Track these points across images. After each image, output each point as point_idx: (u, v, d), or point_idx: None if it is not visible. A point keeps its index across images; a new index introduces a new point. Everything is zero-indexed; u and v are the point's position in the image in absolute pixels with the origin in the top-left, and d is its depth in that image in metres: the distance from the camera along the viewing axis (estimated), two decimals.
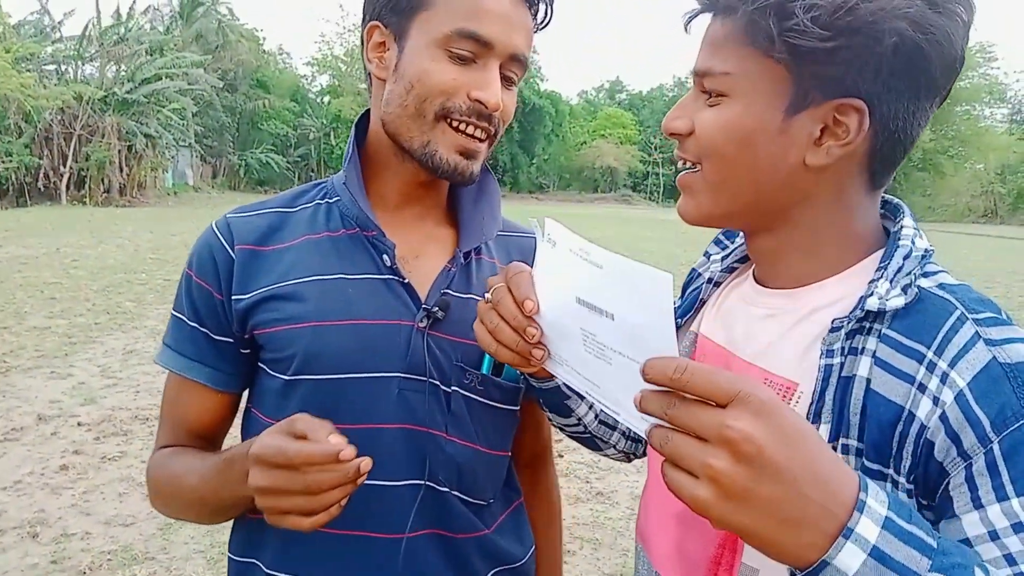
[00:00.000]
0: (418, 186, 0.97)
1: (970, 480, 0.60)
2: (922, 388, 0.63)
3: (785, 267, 0.78)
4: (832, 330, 0.70)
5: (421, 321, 0.91)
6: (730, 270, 0.91)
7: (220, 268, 0.93)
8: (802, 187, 0.72)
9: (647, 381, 0.55)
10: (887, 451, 0.64)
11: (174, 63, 27.72)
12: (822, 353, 0.70)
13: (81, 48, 27.00)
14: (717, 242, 0.94)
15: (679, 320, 0.93)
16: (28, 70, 24.68)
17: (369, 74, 0.96)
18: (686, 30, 0.77)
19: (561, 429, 1.03)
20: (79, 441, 4.17)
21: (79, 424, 4.42)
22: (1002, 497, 0.58)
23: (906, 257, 0.70)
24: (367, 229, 0.93)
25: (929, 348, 0.64)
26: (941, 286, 0.69)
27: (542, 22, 0.94)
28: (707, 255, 0.95)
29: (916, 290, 0.68)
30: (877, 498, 0.52)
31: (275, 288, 0.91)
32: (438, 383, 0.92)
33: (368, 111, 0.99)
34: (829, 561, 0.50)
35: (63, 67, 27.82)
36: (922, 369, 0.64)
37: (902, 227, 0.73)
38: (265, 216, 0.97)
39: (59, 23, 28.47)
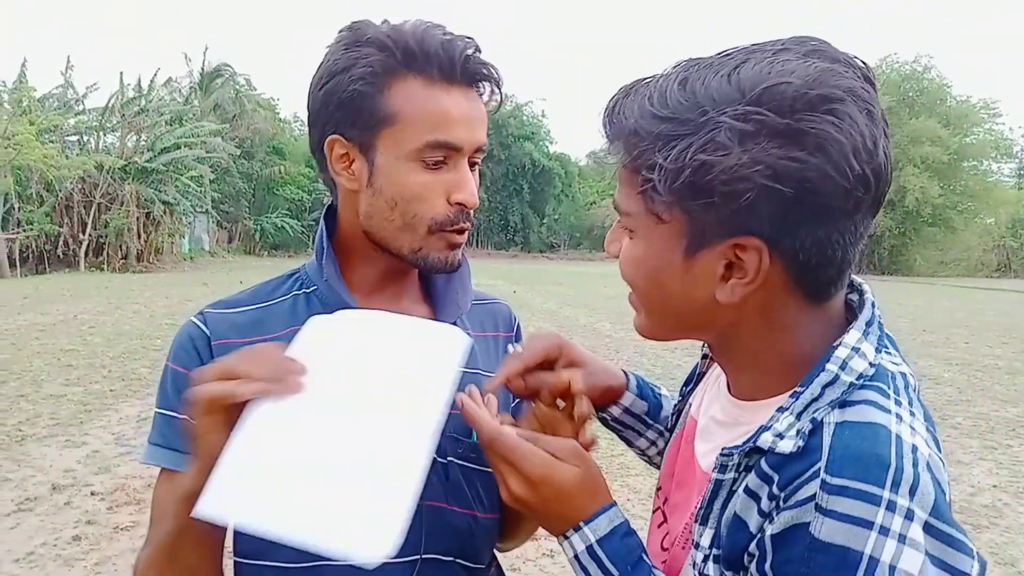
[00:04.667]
0: (394, 274, 1.01)
1: None
2: (763, 517, 0.68)
3: (737, 379, 0.81)
4: (723, 454, 0.73)
5: None
6: None
7: (203, 354, 0.94)
8: (726, 318, 0.73)
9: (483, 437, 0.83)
10: (739, 567, 0.71)
11: (193, 132, 28.44)
12: (715, 467, 0.74)
13: (103, 119, 27.81)
14: None
15: (684, 389, 0.99)
16: (51, 141, 25.38)
17: (330, 181, 0.97)
18: (601, 156, 0.78)
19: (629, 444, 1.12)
20: (92, 511, 4.17)
21: (92, 493, 4.43)
22: None
23: (827, 385, 0.68)
24: None
25: (782, 489, 0.66)
26: (842, 425, 0.66)
27: (496, 109, 0.97)
28: None
29: (809, 428, 0.67)
30: (594, 531, 0.79)
31: None
32: (435, 455, 0.95)
33: (331, 205, 1.02)
34: (561, 544, 0.82)
35: (85, 138, 28.62)
36: (772, 506, 0.67)
37: (839, 345, 0.70)
38: (244, 313, 0.98)
39: (82, 96, 29.38)
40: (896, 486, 0.62)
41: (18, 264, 23.13)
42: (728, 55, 0.69)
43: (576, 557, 0.79)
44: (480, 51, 0.92)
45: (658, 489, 0.94)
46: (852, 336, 0.71)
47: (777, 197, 0.64)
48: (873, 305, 0.75)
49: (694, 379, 0.98)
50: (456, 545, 0.96)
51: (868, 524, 0.61)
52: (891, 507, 0.61)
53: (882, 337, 0.74)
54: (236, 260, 33.18)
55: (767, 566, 0.66)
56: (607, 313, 14.22)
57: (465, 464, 0.98)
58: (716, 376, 0.91)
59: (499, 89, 0.95)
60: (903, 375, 0.72)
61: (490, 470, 0.99)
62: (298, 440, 0.72)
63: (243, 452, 0.72)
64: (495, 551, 1.10)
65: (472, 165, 0.95)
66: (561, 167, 53.93)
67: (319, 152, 0.96)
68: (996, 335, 12.84)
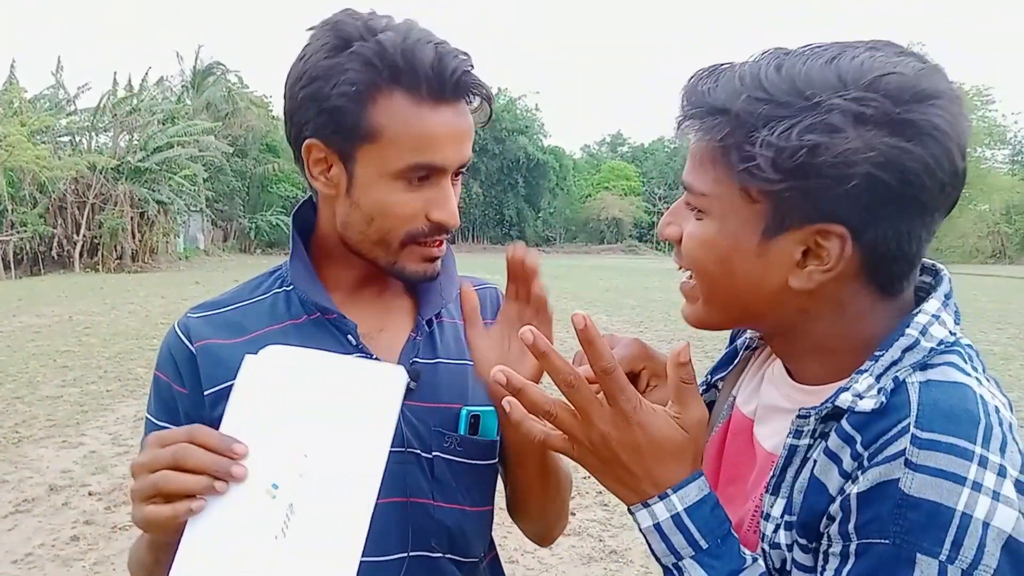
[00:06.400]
0: (374, 273, 0.99)
1: (826, 556, 0.67)
2: (845, 478, 0.66)
3: (802, 367, 0.79)
4: (799, 416, 0.71)
5: None
6: None
7: (180, 364, 0.94)
8: (795, 305, 0.72)
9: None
10: (815, 533, 0.68)
11: (185, 131, 28.32)
12: (790, 432, 0.72)
13: (95, 119, 27.69)
14: None
15: (712, 376, 0.96)
16: (43, 142, 25.28)
17: (307, 178, 0.95)
18: (676, 133, 0.76)
19: None
20: (90, 511, 4.17)
21: (90, 494, 4.43)
22: None
23: (907, 350, 0.68)
24: (327, 313, 0.95)
25: (867, 448, 0.65)
26: (927, 384, 0.66)
27: (484, 124, 0.95)
28: None
29: (891, 387, 0.67)
30: (682, 500, 0.71)
31: None
32: (419, 451, 0.94)
33: (309, 200, 1.00)
34: (633, 512, 0.74)
35: (77, 138, 28.50)
36: (855, 465, 0.66)
37: (919, 312, 0.70)
38: (223, 314, 0.98)
39: (74, 97, 29.24)
40: (987, 442, 0.62)
41: (12, 266, 23.05)
42: (818, 47, 0.69)
43: (657, 526, 0.72)
44: (472, 67, 0.89)
45: None
46: (932, 305, 0.71)
47: (876, 185, 0.64)
48: (949, 281, 0.75)
49: (727, 366, 0.95)
50: (445, 541, 0.95)
51: (960, 480, 0.60)
52: (983, 463, 0.61)
53: (958, 312, 0.74)
54: (231, 258, 33.15)
55: (850, 527, 0.63)
56: (604, 306, 14.23)
57: (451, 458, 0.96)
58: (759, 367, 0.89)
59: (488, 104, 0.93)
60: (974, 347, 0.73)
61: (478, 462, 0.98)
62: (247, 513, 0.76)
63: (197, 540, 0.76)
64: (497, 542, 1.08)
65: (456, 175, 0.93)
66: (556, 160, 53.93)
67: (295, 147, 0.94)
68: (991, 321, 12.87)
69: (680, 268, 0.79)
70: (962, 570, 0.59)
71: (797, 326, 0.75)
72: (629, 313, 13.20)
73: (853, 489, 0.64)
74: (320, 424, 0.79)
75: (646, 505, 0.73)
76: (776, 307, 0.73)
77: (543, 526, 1.12)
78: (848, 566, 0.63)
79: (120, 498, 4.34)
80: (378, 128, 0.86)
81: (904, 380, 0.67)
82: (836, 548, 0.65)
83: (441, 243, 0.94)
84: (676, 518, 0.71)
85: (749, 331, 0.94)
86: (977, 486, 0.60)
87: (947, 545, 0.59)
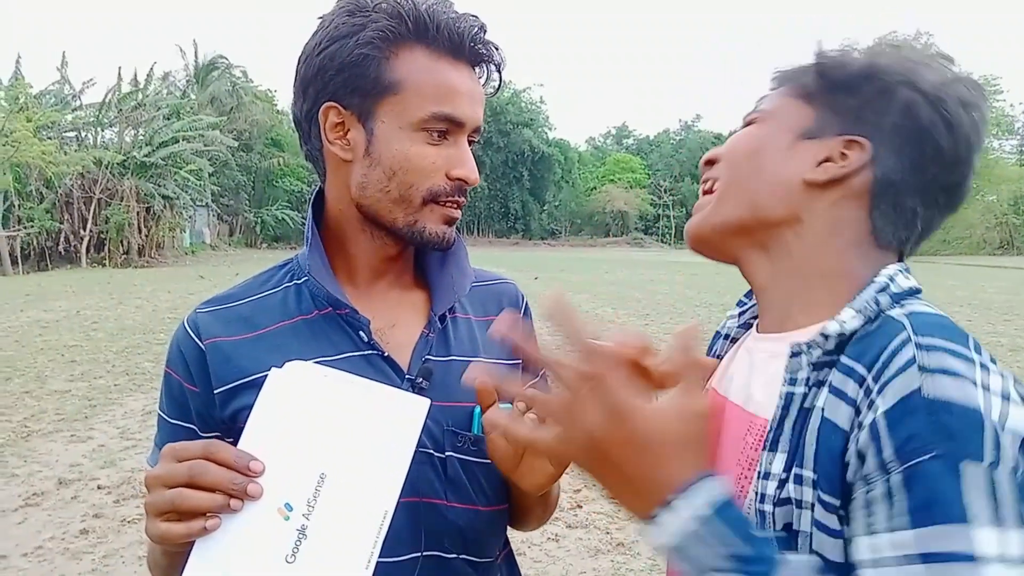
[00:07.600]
0: (387, 259, 0.97)
1: (868, 505, 0.61)
2: (858, 412, 0.63)
3: (779, 301, 0.79)
4: (792, 355, 0.70)
5: None
6: (746, 326, 0.92)
7: (190, 361, 0.92)
8: (795, 206, 0.77)
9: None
10: (837, 481, 0.64)
11: (190, 126, 28.43)
12: (784, 380, 0.71)
13: (101, 115, 27.77)
14: (739, 304, 0.96)
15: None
16: (49, 138, 25.40)
17: (317, 152, 0.95)
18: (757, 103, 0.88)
19: None
20: (99, 504, 4.19)
21: (99, 487, 4.45)
22: (895, 527, 0.59)
23: (879, 291, 0.71)
24: (339, 308, 0.93)
25: (869, 370, 0.64)
26: (910, 313, 0.68)
27: (494, 93, 0.97)
28: (729, 316, 0.97)
29: (877, 316, 0.69)
30: (693, 504, 0.62)
31: (256, 376, 0.88)
32: (431, 451, 0.92)
33: (320, 189, 0.99)
34: (646, 529, 0.64)
35: (83, 133, 28.61)
36: (860, 392, 0.64)
37: (884, 267, 0.74)
38: (234, 309, 0.96)
39: (79, 92, 29.30)
40: (980, 352, 0.63)
41: (20, 261, 23.17)
42: None
43: (686, 535, 0.61)
44: (486, 31, 0.92)
45: None
46: (892, 267, 0.75)
47: (911, 112, 0.73)
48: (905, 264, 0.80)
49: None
50: (458, 542, 0.93)
51: (972, 381, 0.60)
52: (984, 368, 0.61)
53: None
54: (237, 253, 33.26)
55: (888, 453, 0.59)
56: (609, 299, 14.21)
57: (465, 458, 0.94)
58: (732, 354, 0.90)
59: (500, 73, 0.95)
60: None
61: (492, 461, 0.94)
62: (259, 533, 0.75)
63: (206, 556, 0.75)
64: (507, 537, 1.07)
65: (470, 144, 0.94)
66: (561, 153, 53.87)
67: (307, 122, 0.93)
68: (999, 313, 12.82)
69: (705, 186, 0.86)
70: (1007, 472, 0.57)
71: (787, 240, 0.78)
72: (635, 305, 13.16)
73: (873, 414, 0.61)
74: (338, 448, 0.78)
75: (652, 517, 0.63)
76: (779, 204, 0.78)
77: (532, 528, 1.13)
78: (898, 503, 0.59)
79: (129, 491, 4.37)
80: (400, 80, 0.87)
81: (886, 312, 0.69)
82: (878, 490, 0.60)
83: (459, 204, 0.93)
84: (701, 520, 0.61)
85: (727, 325, 0.94)
86: (986, 387, 0.60)
87: (988, 447, 0.57)
